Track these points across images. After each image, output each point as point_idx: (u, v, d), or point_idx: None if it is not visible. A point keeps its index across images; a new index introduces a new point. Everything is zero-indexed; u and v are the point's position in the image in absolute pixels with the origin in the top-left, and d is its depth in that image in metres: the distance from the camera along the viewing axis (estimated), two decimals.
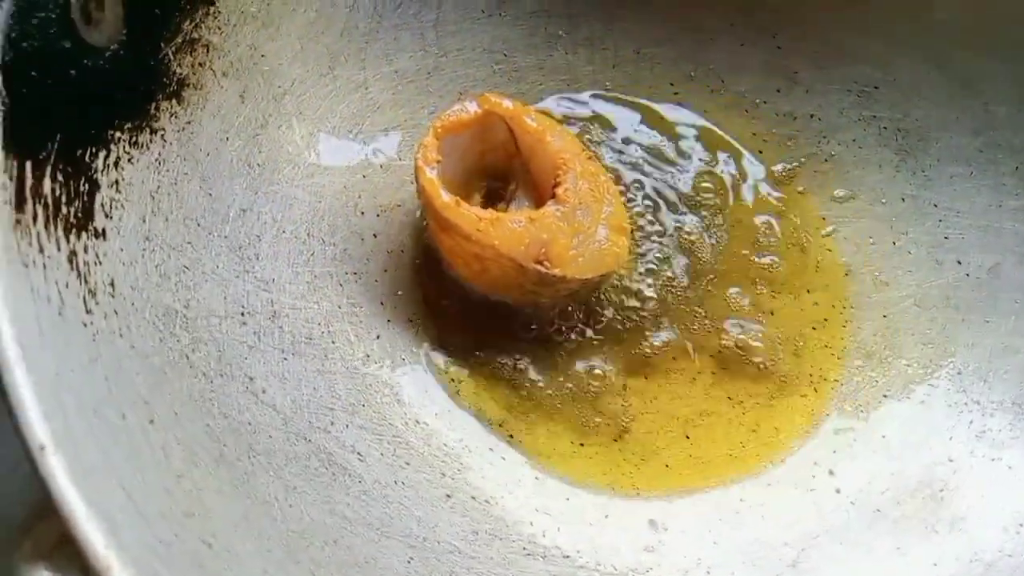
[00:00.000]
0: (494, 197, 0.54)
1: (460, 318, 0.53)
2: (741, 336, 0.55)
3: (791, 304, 0.57)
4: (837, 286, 0.58)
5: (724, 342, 0.55)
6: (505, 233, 0.49)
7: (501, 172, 0.55)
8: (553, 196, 0.51)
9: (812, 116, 0.62)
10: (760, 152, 0.61)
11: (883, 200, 0.60)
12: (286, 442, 0.43)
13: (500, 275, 0.51)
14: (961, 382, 0.54)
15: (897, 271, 0.58)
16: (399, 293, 0.53)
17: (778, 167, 0.61)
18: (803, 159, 0.61)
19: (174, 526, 0.32)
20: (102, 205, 0.39)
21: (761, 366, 0.55)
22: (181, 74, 0.46)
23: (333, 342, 0.49)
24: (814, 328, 0.56)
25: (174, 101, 0.46)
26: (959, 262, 0.57)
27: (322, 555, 0.39)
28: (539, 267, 0.49)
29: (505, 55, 0.60)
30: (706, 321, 0.56)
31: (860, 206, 0.60)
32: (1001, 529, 0.49)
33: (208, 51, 0.48)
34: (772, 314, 0.56)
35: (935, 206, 0.59)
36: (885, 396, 0.55)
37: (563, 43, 0.62)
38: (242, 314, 0.45)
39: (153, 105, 0.44)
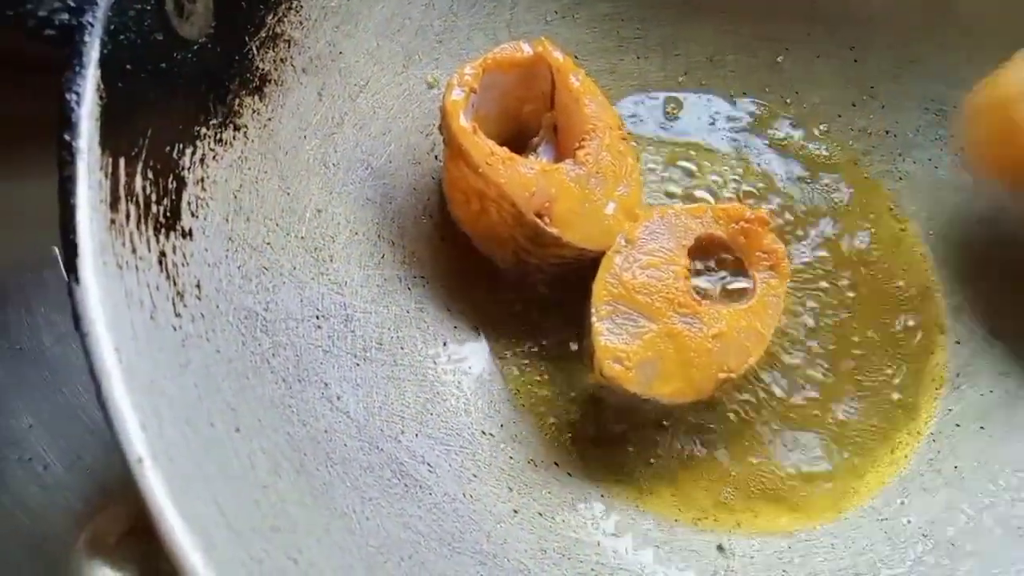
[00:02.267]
0: (520, 148, 0.53)
1: (529, 328, 0.52)
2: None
3: None
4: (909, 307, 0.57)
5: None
6: (514, 175, 0.48)
7: (535, 125, 0.54)
8: (573, 157, 0.50)
9: (887, 132, 0.60)
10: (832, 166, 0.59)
11: (959, 223, 0.58)
12: (360, 451, 0.42)
13: (497, 221, 0.49)
14: None
15: (972, 296, 0.56)
16: (466, 298, 0.52)
17: (851, 181, 0.59)
18: (876, 176, 0.60)
19: (263, 542, 0.31)
20: (188, 204, 0.38)
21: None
22: (264, 69, 0.45)
23: (402, 348, 0.48)
24: None
25: (256, 97, 0.45)
26: None
27: (399, 571, 0.38)
28: (538, 220, 0.48)
29: (577, 57, 0.59)
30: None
31: (935, 228, 0.58)
32: None
33: (289, 46, 0.47)
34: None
35: (1013, 233, 0.58)
36: (958, 426, 0.53)
37: (635, 47, 0.61)
38: (317, 317, 0.44)
39: (237, 101, 0.43)
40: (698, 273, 0.53)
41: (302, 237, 0.45)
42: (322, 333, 0.44)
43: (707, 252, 0.52)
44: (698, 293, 0.49)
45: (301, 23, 0.48)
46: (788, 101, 0.61)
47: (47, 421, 0.49)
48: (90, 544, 0.45)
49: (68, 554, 0.46)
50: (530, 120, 0.54)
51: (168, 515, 0.28)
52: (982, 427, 0.53)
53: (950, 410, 0.54)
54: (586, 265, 0.49)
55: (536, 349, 0.52)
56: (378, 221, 0.51)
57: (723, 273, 0.53)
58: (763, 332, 0.49)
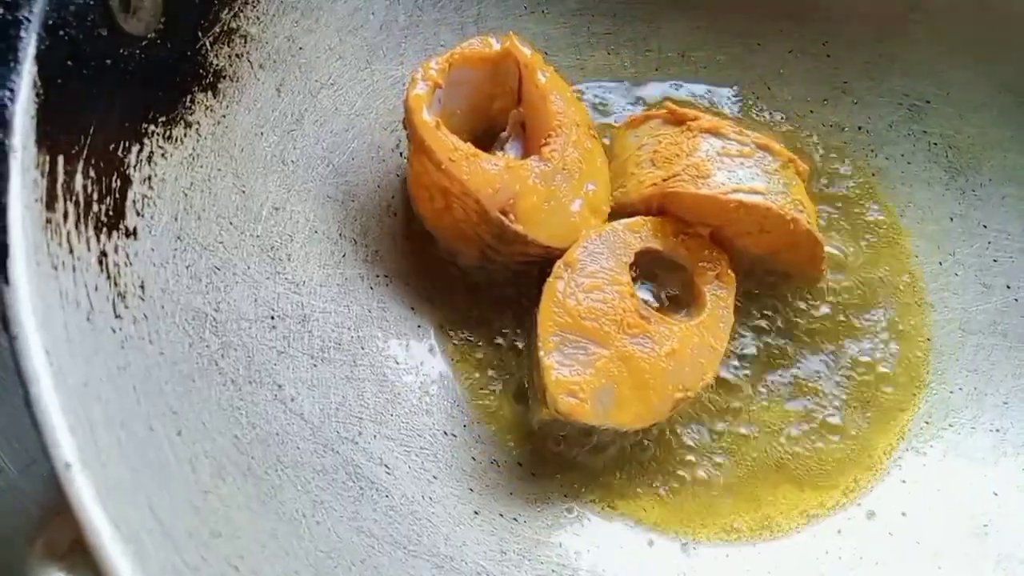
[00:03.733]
0: (490, 145, 0.52)
1: (493, 328, 0.52)
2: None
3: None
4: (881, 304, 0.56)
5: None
6: (478, 171, 0.47)
7: (504, 121, 0.53)
8: (539, 153, 0.49)
9: (860, 128, 0.60)
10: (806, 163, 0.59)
11: (930, 218, 0.58)
12: (314, 454, 0.41)
13: (461, 218, 0.48)
14: (1007, 412, 0.53)
15: (943, 293, 0.56)
16: (430, 298, 0.52)
17: (823, 180, 0.59)
18: (849, 172, 0.59)
19: (201, 548, 0.30)
20: (134, 202, 0.38)
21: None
22: (218, 66, 0.44)
23: (362, 348, 0.48)
24: None
25: (210, 94, 0.44)
26: (1008, 286, 0.56)
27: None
28: (503, 218, 0.47)
29: (547, 53, 0.58)
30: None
31: (906, 224, 0.58)
32: None
33: (246, 42, 0.46)
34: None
35: (984, 227, 0.57)
36: (926, 423, 0.53)
37: (606, 42, 0.61)
38: (272, 317, 0.43)
39: (188, 98, 0.43)
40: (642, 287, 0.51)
41: (258, 236, 0.45)
42: (277, 334, 0.43)
43: (649, 266, 0.51)
44: (645, 311, 0.47)
45: (258, 18, 0.47)
46: (760, 97, 0.60)
47: (1, 425, 0.48)
48: (44, 549, 0.45)
49: (22, 559, 0.45)
50: (500, 116, 0.54)
51: (96, 521, 0.27)
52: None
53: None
54: (552, 263, 0.48)
55: (501, 349, 0.52)
56: (340, 219, 0.50)
57: (667, 286, 0.52)
58: (716, 347, 0.48)
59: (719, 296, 0.50)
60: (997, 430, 0.52)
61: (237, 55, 0.46)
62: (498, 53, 0.51)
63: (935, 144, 0.59)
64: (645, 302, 0.48)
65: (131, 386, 0.32)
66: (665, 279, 0.51)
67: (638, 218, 0.50)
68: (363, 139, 0.52)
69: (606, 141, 0.56)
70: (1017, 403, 0.53)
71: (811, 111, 0.60)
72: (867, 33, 0.60)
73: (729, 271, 0.50)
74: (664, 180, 0.50)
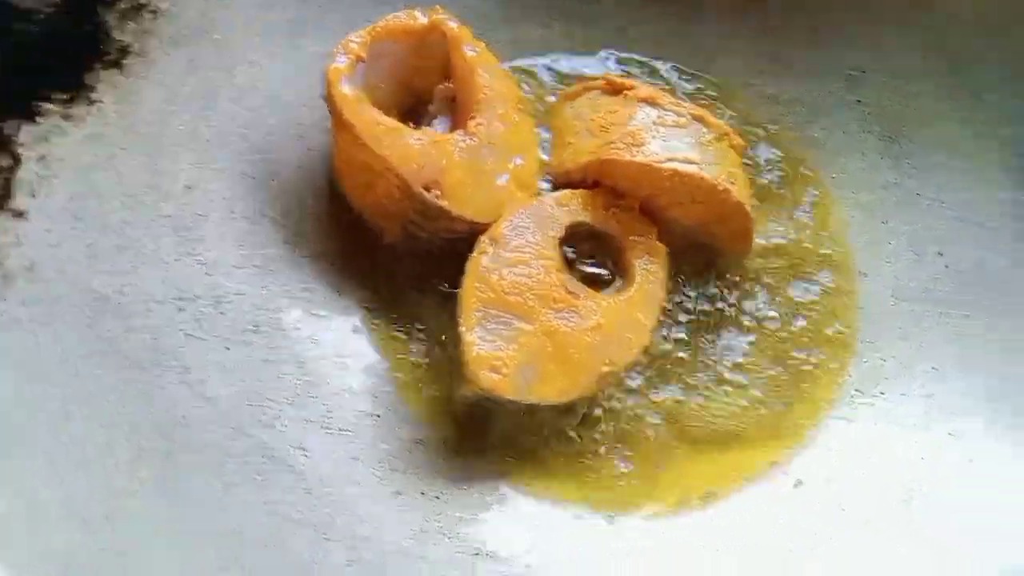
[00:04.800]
0: (419, 121, 0.51)
1: (419, 307, 0.51)
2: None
3: None
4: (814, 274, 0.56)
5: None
6: (401, 146, 0.46)
7: (431, 98, 0.52)
8: (465, 128, 0.49)
9: (796, 100, 0.59)
10: (742, 135, 0.58)
11: (865, 188, 0.58)
12: (225, 437, 0.40)
13: (385, 195, 0.47)
14: (937, 379, 0.53)
15: (876, 261, 0.56)
16: (355, 278, 0.51)
17: (760, 150, 0.58)
18: (786, 143, 0.58)
19: (78, 533, 0.30)
20: (26, 182, 0.37)
21: None
22: (124, 41, 0.43)
23: (282, 329, 0.47)
24: None
25: (115, 70, 0.43)
26: (940, 253, 0.55)
27: (255, 558, 0.37)
28: (426, 194, 0.46)
29: (479, 29, 0.57)
30: None
31: (841, 193, 0.57)
32: (972, 532, 0.47)
33: (155, 17, 0.45)
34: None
35: (918, 195, 0.57)
36: (857, 391, 0.53)
37: (539, 17, 0.60)
38: (181, 299, 0.43)
39: (91, 75, 0.42)
40: (571, 263, 0.50)
41: (168, 215, 0.44)
42: (187, 316, 0.43)
43: (579, 240, 0.50)
44: (573, 286, 0.47)
45: None
46: (698, 69, 0.60)
47: None
48: None
49: None
50: (428, 92, 0.53)
51: None
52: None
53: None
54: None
55: (428, 329, 0.51)
56: (260, 198, 0.49)
57: (597, 260, 0.51)
58: (644, 322, 0.48)
59: (649, 270, 0.49)
60: (928, 396, 0.52)
61: (145, 31, 0.44)
62: (424, 26, 0.50)
63: (870, 114, 0.59)
64: (579, 281, 0.48)
65: (10, 372, 0.31)
66: (597, 252, 0.51)
67: (567, 191, 0.49)
68: (284, 116, 0.51)
69: (540, 109, 0.55)
70: (948, 369, 0.53)
71: (749, 83, 0.60)
72: (804, 3, 0.59)
73: (659, 244, 0.50)
74: (599, 148, 0.50)
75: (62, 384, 0.33)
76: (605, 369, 0.47)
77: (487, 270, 0.45)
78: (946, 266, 0.55)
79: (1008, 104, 0.56)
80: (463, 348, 0.44)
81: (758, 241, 0.54)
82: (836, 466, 0.50)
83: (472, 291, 0.45)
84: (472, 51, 0.51)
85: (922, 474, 0.50)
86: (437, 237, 0.50)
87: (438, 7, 0.51)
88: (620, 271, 0.51)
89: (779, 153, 0.58)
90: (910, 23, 0.58)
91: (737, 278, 0.55)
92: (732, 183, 0.51)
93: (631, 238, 0.50)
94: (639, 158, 0.49)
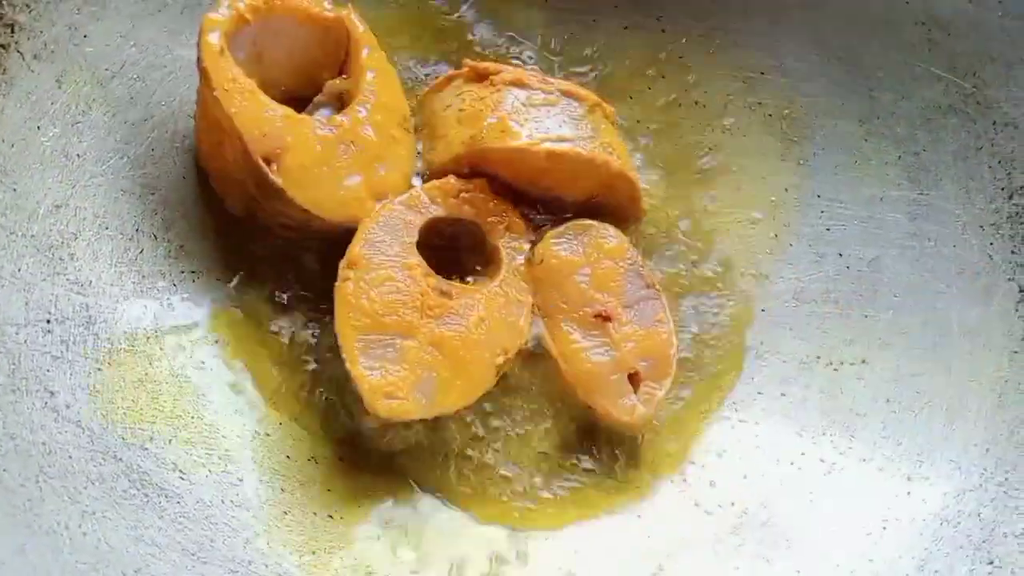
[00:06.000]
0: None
1: (312, 318, 0.50)
2: None
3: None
4: (716, 279, 0.56)
5: None
6: (249, 108, 0.45)
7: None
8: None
9: (696, 103, 0.59)
10: (642, 139, 0.58)
11: (765, 190, 0.58)
12: (90, 462, 0.39)
13: (231, 160, 0.46)
14: (837, 379, 0.53)
15: (777, 264, 0.56)
16: (242, 291, 0.50)
17: (660, 154, 0.58)
18: (686, 148, 0.58)
19: None
20: None
21: None
22: None
23: (161, 348, 0.45)
24: None
25: None
26: (840, 255, 0.56)
27: None
28: (264, 166, 0.45)
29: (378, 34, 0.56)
30: None
31: (742, 197, 0.57)
32: (865, 534, 0.47)
33: (13, 31, 0.44)
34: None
35: (818, 196, 0.57)
36: (760, 394, 0.53)
37: (438, 22, 0.59)
38: (48, 321, 0.41)
39: None
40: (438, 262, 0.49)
41: (32, 235, 0.42)
42: (53, 338, 0.41)
43: (440, 236, 0.49)
44: (444, 286, 0.46)
45: (27, 5, 0.44)
46: (596, 75, 0.59)
47: None
48: None
49: None
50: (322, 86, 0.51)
51: None
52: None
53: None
54: (311, 236, 0.47)
55: (320, 342, 0.50)
56: (136, 214, 0.48)
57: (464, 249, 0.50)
58: (523, 299, 0.47)
59: (514, 248, 0.49)
60: (828, 396, 0.52)
61: (2, 46, 0.43)
62: (328, 18, 0.50)
63: (770, 115, 0.59)
64: (447, 276, 0.47)
65: None
66: (459, 242, 0.50)
67: (412, 191, 0.48)
68: (164, 128, 0.50)
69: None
70: (846, 369, 0.53)
71: (648, 87, 0.60)
72: (701, 5, 0.59)
73: (517, 220, 0.50)
74: (472, 138, 0.49)
75: None
76: (499, 360, 0.46)
77: (355, 296, 0.44)
78: (847, 267, 0.55)
79: (902, 103, 0.57)
80: (355, 382, 0.44)
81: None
82: (732, 465, 0.50)
83: (346, 322, 0.44)
84: (367, 53, 0.50)
85: (820, 476, 0.50)
86: (275, 223, 0.48)
87: (351, 5, 0.50)
88: (484, 255, 0.50)
89: (680, 157, 0.58)
90: (805, 25, 0.59)
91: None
92: (610, 152, 0.51)
93: (489, 219, 0.49)
94: (512, 143, 0.49)
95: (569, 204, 0.52)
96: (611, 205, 0.53)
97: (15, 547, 0.33)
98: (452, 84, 0.53)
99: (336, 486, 0.47)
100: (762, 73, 0.60)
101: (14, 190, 0.42)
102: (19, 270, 0.41)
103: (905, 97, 0.57)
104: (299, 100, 0.50)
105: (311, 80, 0.51)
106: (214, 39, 0.45)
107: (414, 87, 0.55)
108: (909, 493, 0.48)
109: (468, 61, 0.53)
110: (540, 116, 0.50)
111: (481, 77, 0.51)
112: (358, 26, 0.50)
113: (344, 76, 0.51)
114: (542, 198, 0.52)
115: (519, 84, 0.51)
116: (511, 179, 0.50)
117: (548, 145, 0.49)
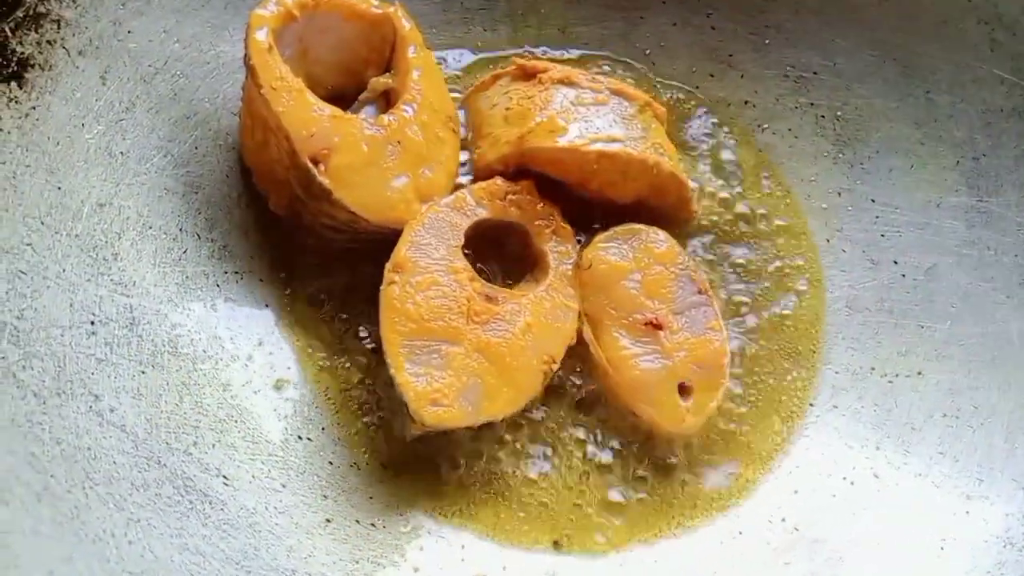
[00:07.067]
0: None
1: (355, 326, 0.49)
2: None
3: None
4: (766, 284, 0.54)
5: None
6: (297, 108, 0.44)
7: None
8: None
9: (746, 103, 0.58)
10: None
11: (818, 194, 0.56)
12: (134, 468, 0.38)
13: (276, 159, 0.45)
14: (891, 391, 0.51)
15: (830, 270, 0.54)
16: (284, 295, 0.49)
17: (709, 159, 0.57)
18: (738, 148, 0.57)
19: None
20: None
21: None
22: (23, 53, 0.41)
23: (205, 351, 0.45)
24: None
25: (14, 84, 0.41)
26: (895, 262, 0.54)
27: None
28: (312, 166, 0.44)
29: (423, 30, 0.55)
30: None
31: (794, 200, 0.56)
32: (922, 554, 0.45)
33: (59, 27, 0.43)
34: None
35: (872, 201, 0.56)
36: (811, 405, 0.51)
37: (482, 19, 0.58)
38: (92, 323, 0.40)
39: None
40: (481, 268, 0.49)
41: (77, 235, 0.42)
42: (97, 340, 0.40)
43: (485, 239, 0.48)
44: (490, 292, 0.45)
45: (74, 1, 0.43)
46: (643, 72, 0.58)
47: None
48: None
49: None
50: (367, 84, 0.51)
51: None
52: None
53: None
54: (362, 240, 0.46)
55: (363, 348, 0.49)
56: (180, 213, 0.47)
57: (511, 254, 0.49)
58: (571, 305, 0.46)
59: (560, 252, 0.48)
60: (882, 409, 0.51)
61: (48, 42, 0.42)
62: (375, 15, 0.49)
63: (822, 116, 0.58)
64: (490, 278, 0.46)
65: None
66: (506, 244, 0.49)
67: (458, 193, 0.47)
68: (208, 126, 0.49)
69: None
70: (902, 380, 0.51)
71: (696, 86, 0.58)
72: (751, 3, 0.58)
73: (565, 225, 0.49)
74: (520, 137, 0.48)
75: None
76: (545, 367, 0.45)
77: (400, 300, 0.43)
78: (902, 275, 0.54)
79: (961, 105, 0.55)
80: (399, 390, 0.43)
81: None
82: (785, 478, 0.49)
83: (392, 327, 0.43)
84: (413, 52, 0.49)
85: (873, 491, 0.48)
86: (319, 223, 0.47)
87: (399, 3, 0.50)
88: (530, 259, 0.49)
89: (733, 159, 0.57)
90: (858, 24, 0.57)
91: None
92: (661, 154, 0.50)
93: (536, 223, 0.48)
94: (561, 143, 0.48)
95: (618, 206, 0.51)
96: (660, 207, 0.52)
97: (63, 556, 0.32)
98: (499, 82, 0.52)
99: (378, 493, 0.46)
100: (814, 73, 0.58)
101: (59, 188, 0.41)
102: (64, 271, 0.40)
103: (964, 100, 0.55)
104: (341, 98, 0.49)
105: (355, 77, 0.51)
106: (262, 36, 0.44)
107: (458, 85, 0.55)
108: (968, 512, 0.46)
109: (516, 59, 0.52)
110: (590, 115, 0.49)
111: (529, 75, 0.50)
112: (405, 24, 0.49)
113: (389, 73, 0.50)
114: (590, 200, 0.50)
115: (568, 82, 0.50)
116: (560, 179, 0.49)
117: (599, 146, 0.48)
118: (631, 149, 0.49)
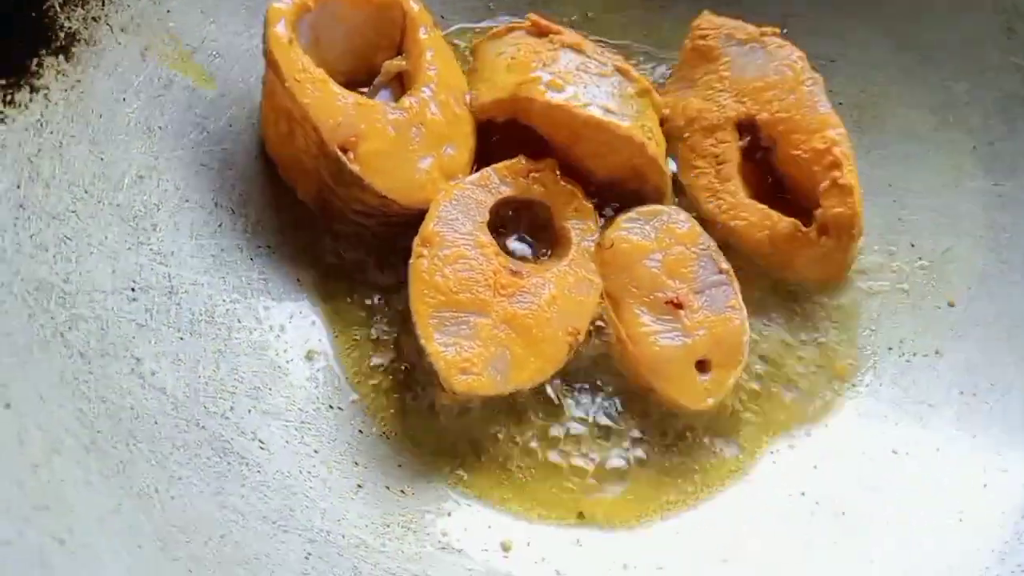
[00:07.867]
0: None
1: (385, 299, 0.50)
2: None
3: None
4: None
5: None
6: (322, 98, 0.45)
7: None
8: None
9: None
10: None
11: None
12: (175, 429, 0.39)
13: (303, 148, 0.46)
14: (909, 370, 0.52)
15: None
16: (316, 268, 0.50)
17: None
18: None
19: (18, 522, 0.29)
20: None
21: None
22: (70, 28, 0.42)
23: (239, 320, 0.46)
24: None
25: (61, 57, 0.42)
26: (912, 245, 0.55)
27: (204, 551, 0.36)
28: (341, 155, 0.45)
29: (443, 17, 0.57)
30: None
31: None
32: (941, 525, 0.46)
33: (103, 4, 0.44)
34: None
35: (889, 186, 0.56)
36: (831, 384, 0.52)
37: (508, 4, 0.59)
38: (132, 289, 0.42)
39: (35, 61, 0.41)
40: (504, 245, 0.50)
41: (118, 205, 0.43)
42: (138, 306, 0.42)
43: (509, 216, 0.49)
44: (515, 266, 0.46)
45: None
46: (664, 59, 0.59)
47: None
48: None
49: None
50: (380, 68, 0.52)
51: None
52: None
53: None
54: (391, 222, 0.47)
55: (393, 320, 0.50)
56: (215, 187, 0.48)
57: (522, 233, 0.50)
58: (593, 279, 0.47)
59: (582, 229, 0.49)
60: (900, 387, 0.52)
61: (93, 18, 0.43)
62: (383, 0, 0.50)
63: (841, 103, 0.58)
64: (512, 254, 0.47)
65: None
66: (527, 222, 0.50)
67: (483, 171, 0.48)
68: (242, 105, 0.50)
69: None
70: (919, 359, 0.52)
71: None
72: None
73: (586, 203, 0.50)
74: (517, 85, 0.49)
75: (3, 372, 0.32)
76: (570, 338, 0.46)
77: (429, 273, 0.44)
78: (919, 257, 0.55)
79: (977, 92, 0.56)
80: (430, 359, 0.44)
81: None
82: (808, 454, 0.50)
83: (421, 299, 0.44)
84: (425, 33, 0.50)
85: (893, 467, 0.49)
86: (349, 208, 0.48)
87: None
88: (553, 236, 0.50)
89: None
90: (876, 10, 0.58)
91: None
92: (648, 138, 0.50)
93: (558, 200, 0.49)
94: (555, 99, 0.48)
95: (595, 180, 0.52)
96: (638, 192, 0.52)
97: (112, 506, 0.33)
98: (512, 34, 0.52)
99: (407, 462, 0.47)
100: (832, 60, 0.59)
101: (101, 159, 0.43)
102: (106, 238, 0.41)
103: (980, 86, 0.56)
104: (353, 83, 0.50)
105: (365, 62, 0.52)
106: (281, 29, 0.45)
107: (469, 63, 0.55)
108: (985, 485, 0.47)
109: (532, 15, 0.52)
110: (589, 84, 0.49)
111: (542, 33, 0.51)
112: (413, 6, 0.50)
113: (401, 56, 0.51)
114: (571, 166, 0.51)
115: (577, 49, 0.51)
116: (547, 137, 0.50)
117: (591, 111, 0.48)
118: (620, 122, 0.49)
